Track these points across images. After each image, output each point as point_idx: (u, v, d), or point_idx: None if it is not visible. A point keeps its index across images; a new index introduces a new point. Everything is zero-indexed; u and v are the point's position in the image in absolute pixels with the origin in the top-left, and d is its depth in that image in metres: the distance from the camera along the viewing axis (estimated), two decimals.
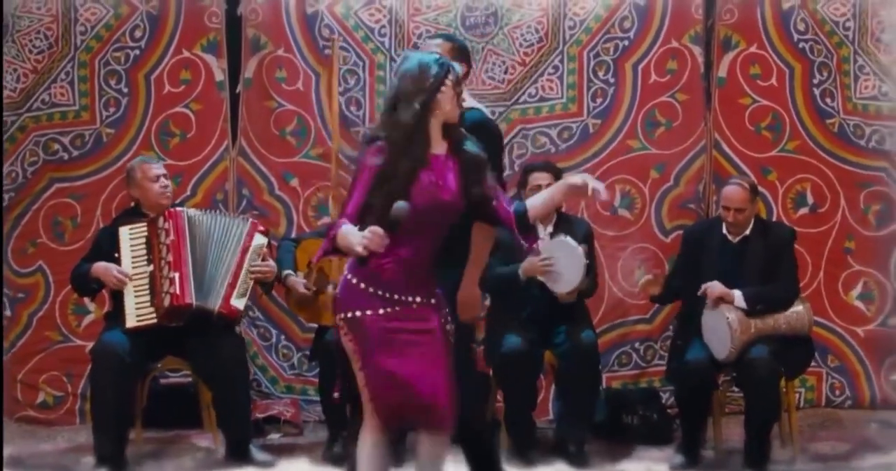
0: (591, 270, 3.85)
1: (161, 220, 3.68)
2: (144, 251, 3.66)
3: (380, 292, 2.56)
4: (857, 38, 4.50)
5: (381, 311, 2.55)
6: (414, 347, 2.55)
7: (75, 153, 4.44)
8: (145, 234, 3.67)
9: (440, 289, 2.69)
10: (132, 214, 3.80)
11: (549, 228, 3.85)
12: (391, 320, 2.55)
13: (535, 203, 2.69)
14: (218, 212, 3.93)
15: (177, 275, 3.58)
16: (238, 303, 3.67)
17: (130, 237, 3.68)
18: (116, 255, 3.66)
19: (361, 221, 2.54)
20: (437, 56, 2.66)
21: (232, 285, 3.65)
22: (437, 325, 2.60)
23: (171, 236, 3.64)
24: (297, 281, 3.78)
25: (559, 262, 3.66)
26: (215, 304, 3.63)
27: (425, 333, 2.57)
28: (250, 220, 3.85)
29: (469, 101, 2.96)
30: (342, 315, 2.59)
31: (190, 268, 3.61)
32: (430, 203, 2.55)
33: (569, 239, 3.66)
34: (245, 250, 3.69)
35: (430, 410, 2.53)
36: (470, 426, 2.93)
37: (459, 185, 2.61)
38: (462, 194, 2.61)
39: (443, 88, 2.58)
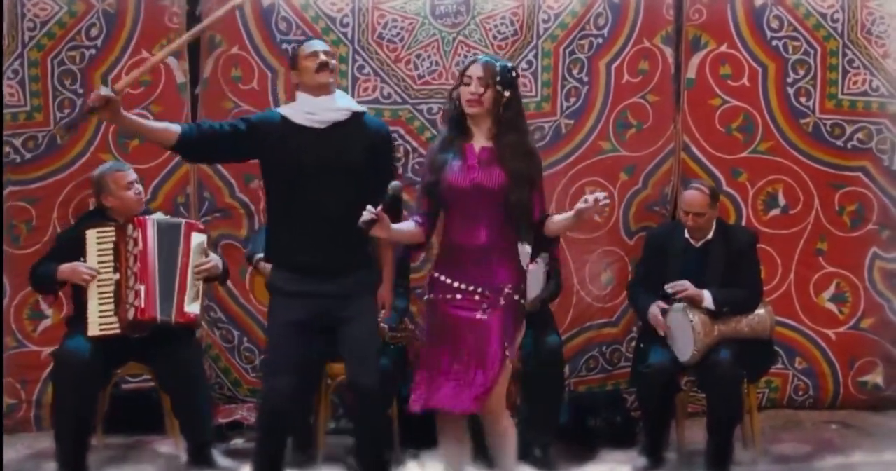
0: (554, 276, 4.45)
1: (130, 227, 4.06)
2: (111, 257, 4.06)
3: (444, 279, 3.45)
4: (846, 30, 5.01)
5: (448, 296, 3.43)
6: (462, 333, 3.38)
7: (28, 155, 4.80)
8: (113, 238, 4.07)
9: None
10: (97, 216, 4.20)
11: None
12: (451, 306, 3.42)
13: (554, 221, 3.50)
14: (161, 217, 4.24)
15: (143, 288, 3.98)
16: (193, 308, 4.05)
17: (98, 241, 4.07)
18: (82, 259, 4.06)
19: (431, 217, 3.49)
20: (483, 57, 3.53)
21: (182, 292, 4.02)
22: (495, 314, 3.39)
23: (139, 246, 4.03)
24: (268, 265, 4.06)
25: None
26: (171, 315, 4.00)
27: (477, 320, 3.38)
28: (184, 221, 4.19)
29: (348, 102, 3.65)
30: (424, 298, 3.53)
31: (157, 281, 4.01)
32: (460, 187, 3.39)
33: (528, 249, 4.20)
34: (186, 253, 4.06)
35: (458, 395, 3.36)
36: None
37: (498, 173, 3.41)
38: (499, 182, 3.40)
39: (462, 85, 3.45)
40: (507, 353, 3.42)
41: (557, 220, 3.48)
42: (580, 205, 3.35)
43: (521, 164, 3.42)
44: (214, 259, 4.21)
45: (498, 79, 3.42)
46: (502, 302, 3.42)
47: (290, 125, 3.56)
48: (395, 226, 3.39)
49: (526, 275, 3.51)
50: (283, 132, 3.54)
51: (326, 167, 3.51)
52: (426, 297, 3.53)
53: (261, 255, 4.20)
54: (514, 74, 3.48)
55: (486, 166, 3.43)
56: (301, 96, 3.64)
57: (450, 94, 3.53)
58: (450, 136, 3.51)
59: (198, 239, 4.14)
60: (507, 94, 3.43)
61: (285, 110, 3.64)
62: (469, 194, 3.42)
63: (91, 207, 4.64)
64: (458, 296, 3.44)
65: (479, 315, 3.39)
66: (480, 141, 3.49)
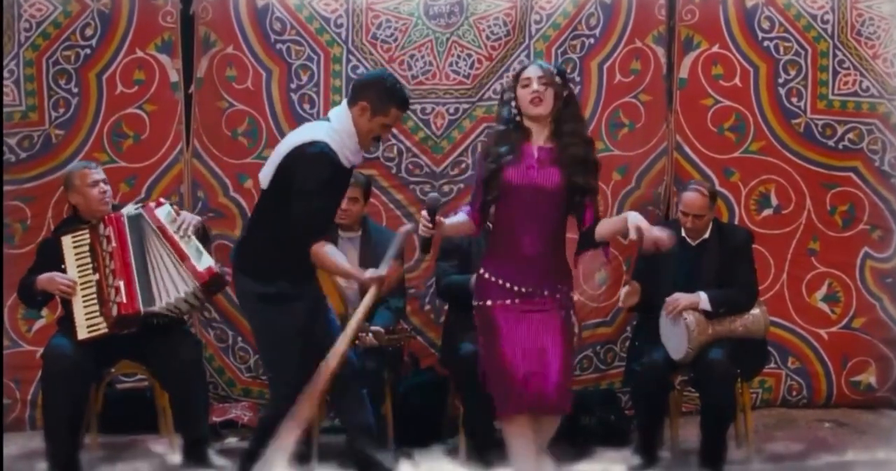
0: None
1: (102, 226, 4.05)
2: (89, 259, 4.06)
3: (498, 281, 3.40)
4: (836, 31, 5.03)
5: (506, 301, 3.37)
6: (529, 334, 3.34)
7: (23, 155, 4.81)
8: (88, 241, 4.07)
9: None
10: (72, 221, 4.20)
11: None
12: (512, 310, 3.37)
13: (603, 224, 3.51)
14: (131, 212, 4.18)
15: (122, 283, 3.97)
16: (204, 264, 3.96)
17: (74, 246, 4.07)
18: (63, 265, 4.05)
19: (483, 210, 3.45)
20: (535, 60, 3.47)
21: (184, 258, 3.95)
22: (557, 316, 3.36)
23: (113, 243, 4.02)
24: None
25: None
26: (191, 286, 3.93)
27: (544, 322, 3.34)
28: (140, 208, 4.11)
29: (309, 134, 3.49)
30: (474, 304, 3.46)
31: (135, 274, 3.99)
32: (516, 185, 3.35)
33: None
34: (163, 229, 4.01)
35: (537, 394, 3.30)
36: None
37: (555, 174, 3.37)
38: (555, 182, 3.36)
39: (518, 88, 3.41)
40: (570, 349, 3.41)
41: (607, 223, 3.50)
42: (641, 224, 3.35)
43: (578, 170, 3.38)
44: (186, 215, 4.14)
45: (557, 78, 3.43)
46: (560, 301, 3.42)
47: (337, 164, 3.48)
48: (448, 220, 3.45)
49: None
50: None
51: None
52: (477, 303, 3.47)
53: None
54: (566, 75, 3.50)
55: (544, 167, 3.40)
56: (350, 133, 3.49)
57: (502, 99, 3.51)
58: (506, 131, 3.45)
59: (163, 212, 4.09)
60: (565, 92, 3.44)
61: (335, 144, 3.46)
62: (525, 193, 3.38)
63: None
64: (517, 300, 3.40)
65: (541, 315, 3.38)
66: (539, 142, 3.45)
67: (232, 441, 4.62)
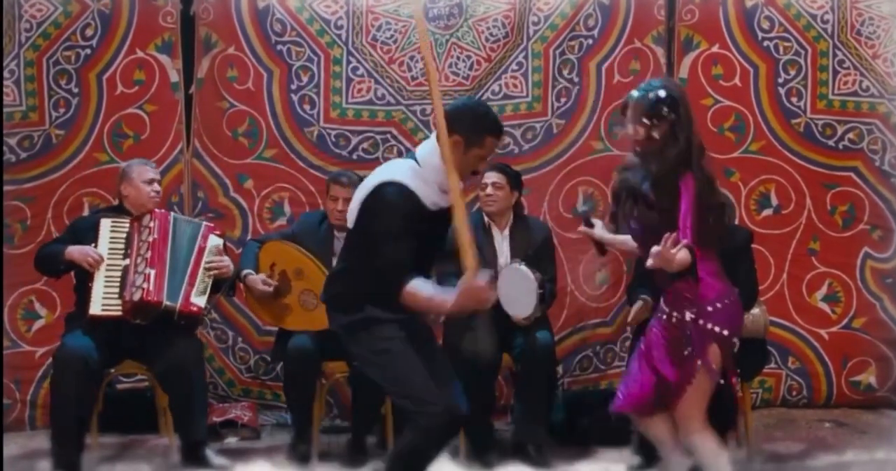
0: (546, 297, 4.28)
1: (147, 218, 4.14)
2: (123, 246, 4.12)
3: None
4: (836, 31, 5.04)
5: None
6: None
7: (23, 155, 4.81)
8: (127, 230, 4.13)
9: None
10: (115, 210, 4.27)
11: (506, 231, 4.40)
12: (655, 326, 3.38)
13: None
14: (179, 215, 4.36)
15: (152, 272, 4.04)
16: (198, 301, 4.12)
17: (112, 230, 4.12)
18: (93, 245, 4.09)
19: None
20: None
21: (191, 284, 4.10)
22: (661, 330, 3.31)
23: (154, 235, 4.11)
24: (256, 279, 4.23)
25: (513, 290, 4.11)
26: (176, 303, 4.08)
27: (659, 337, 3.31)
28: (204, 223, 4.33)
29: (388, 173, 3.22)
30: None
31: (167, 268, 4.08)
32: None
33: (524, 268, 4.11)
34: (201, 250, 4.17)
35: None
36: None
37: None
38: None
39: None
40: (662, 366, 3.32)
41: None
42: None
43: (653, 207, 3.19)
44: (227, 260, 4.27)
45: (653, 112, 3.16)
46: (666, 322, 3.32)
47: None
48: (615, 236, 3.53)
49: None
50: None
51: None
52: None
53: (248, 271, 4.29)
54: (663, 105, 3.16)
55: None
56: (439, 170, 3.18)
57: None
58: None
59: (214, 241, 4.24)
60: (660, 124, 3.16)
61: (415, 186, 3.19)
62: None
63: (86, 208, 4.76)
64: (661, 315, 3.37)
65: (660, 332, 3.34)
66: None
67: (232, 441, 4.62)
